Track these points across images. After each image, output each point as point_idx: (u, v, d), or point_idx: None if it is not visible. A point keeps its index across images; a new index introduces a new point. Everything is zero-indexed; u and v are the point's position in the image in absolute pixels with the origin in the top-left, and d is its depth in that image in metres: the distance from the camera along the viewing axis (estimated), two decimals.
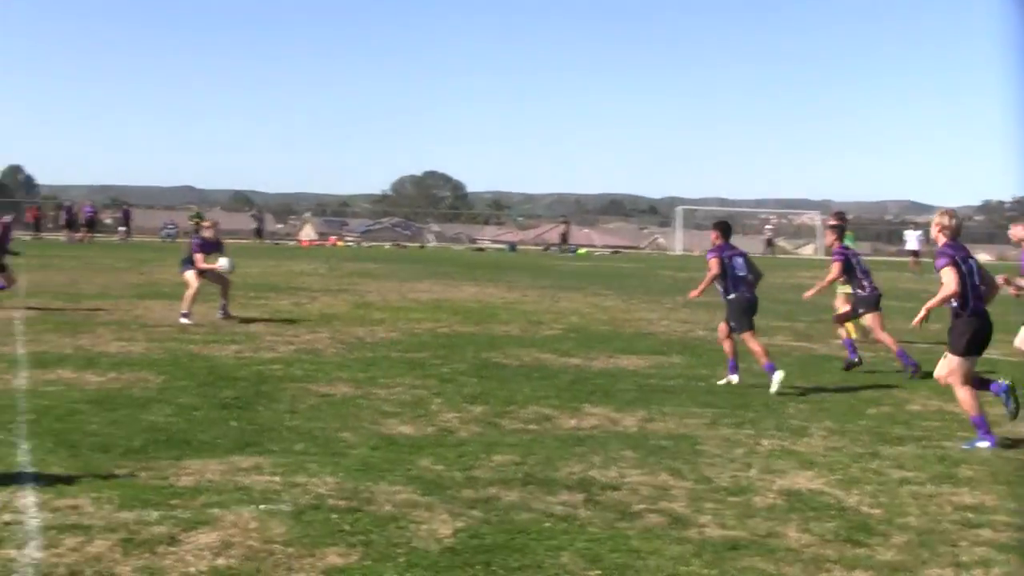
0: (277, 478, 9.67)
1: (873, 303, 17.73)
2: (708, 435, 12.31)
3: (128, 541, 7.74)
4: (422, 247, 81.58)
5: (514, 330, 22.33)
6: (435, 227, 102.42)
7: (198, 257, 22.47)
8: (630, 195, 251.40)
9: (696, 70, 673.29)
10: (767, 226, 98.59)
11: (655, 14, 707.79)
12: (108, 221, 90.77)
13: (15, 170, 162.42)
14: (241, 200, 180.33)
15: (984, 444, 11.94)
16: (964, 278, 12.10)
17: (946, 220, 12.50)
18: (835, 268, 17.90)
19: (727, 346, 15.97)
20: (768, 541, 8.36)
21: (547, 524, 8.57)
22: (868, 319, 18.07)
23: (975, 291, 12.19)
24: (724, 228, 16.29)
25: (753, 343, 15.62)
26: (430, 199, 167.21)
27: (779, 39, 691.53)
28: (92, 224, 68.68)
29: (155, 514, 8.43)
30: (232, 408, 12.91)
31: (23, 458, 10.10)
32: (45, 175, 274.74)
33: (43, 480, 9.30)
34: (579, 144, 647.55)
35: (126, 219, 77.06)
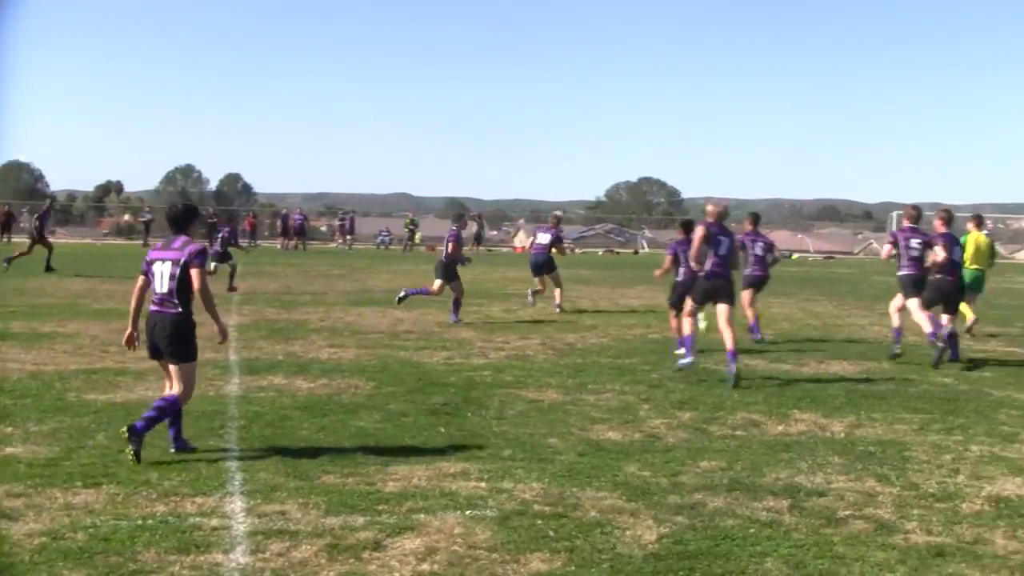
0: (483, 484, 9.75)
1: None
2: (916, 441, 12.15)
3: (333, 547, 7.87)
4: (636, 253, 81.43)
5: None
6: (649, 233, 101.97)
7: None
8: (846, 200, 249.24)
9: (916, 73, 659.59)
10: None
11: (865, 14, 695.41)
12: (323, 228, 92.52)
13: (233, 178, 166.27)
14: (456, 207, 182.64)
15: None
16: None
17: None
18: None
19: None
20: (975, 548, 8.25)
21: (752, 530, 8.51)
22: None
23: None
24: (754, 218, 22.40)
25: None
26: (644, 205, 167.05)
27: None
28: (302, 231, 69.98)
29: (361, 520, 8.56)
30: (441, 414, 13.02)
31: (232, 463, 10.31)
32: (262, 183, 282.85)
33: (251, 485, 9.51)
34: (795, 149, 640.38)
35: (351, 227, 78.43)
